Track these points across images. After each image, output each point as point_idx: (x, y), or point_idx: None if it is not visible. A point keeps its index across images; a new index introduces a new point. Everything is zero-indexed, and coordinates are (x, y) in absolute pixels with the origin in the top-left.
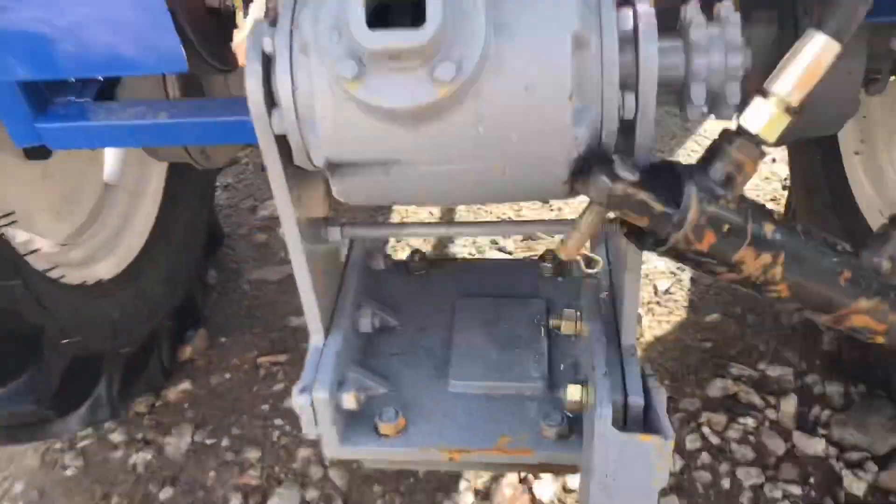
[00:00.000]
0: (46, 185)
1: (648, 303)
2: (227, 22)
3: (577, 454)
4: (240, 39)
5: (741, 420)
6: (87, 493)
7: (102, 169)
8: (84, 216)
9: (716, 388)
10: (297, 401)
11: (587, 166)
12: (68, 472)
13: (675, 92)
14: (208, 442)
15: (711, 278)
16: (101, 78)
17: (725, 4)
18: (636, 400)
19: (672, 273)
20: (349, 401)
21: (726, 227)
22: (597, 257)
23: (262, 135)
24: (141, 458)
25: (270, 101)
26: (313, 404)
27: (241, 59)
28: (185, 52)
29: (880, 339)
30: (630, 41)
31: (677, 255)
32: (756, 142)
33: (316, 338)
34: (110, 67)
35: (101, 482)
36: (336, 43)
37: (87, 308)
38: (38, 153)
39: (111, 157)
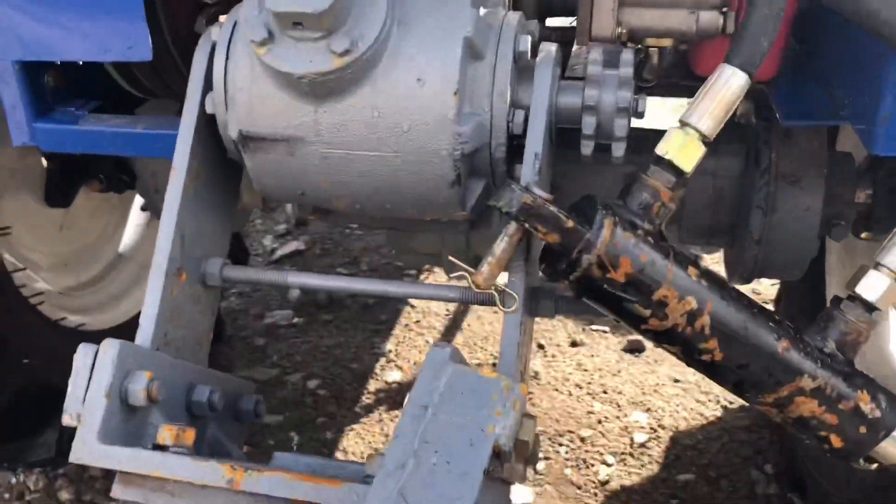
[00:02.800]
0: (62, 236)
1: (622, 453)
2: None
3: None
4: None
5: None
6: None
7: (119, 240)
8: (90, 276)
9: None
10: (80, 351)
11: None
12: None
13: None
14: None
15: (638, 332)
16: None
17: (626, 49)
18: None
19: (652, 429)
20: (140, 380)
21: (644, 257)
22: (513, 293)
23: (189, 113)
24: None
25: (208, 86)
26: (96, 355)
27: None
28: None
29: (836, 441)
30: (531, 69)
31: (593, 288)
32: (671, 168)
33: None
34: (85, 53)
35: None
36: (255, 15)
37: (58, 342)
38: (57, 199)
39: (130, 230)
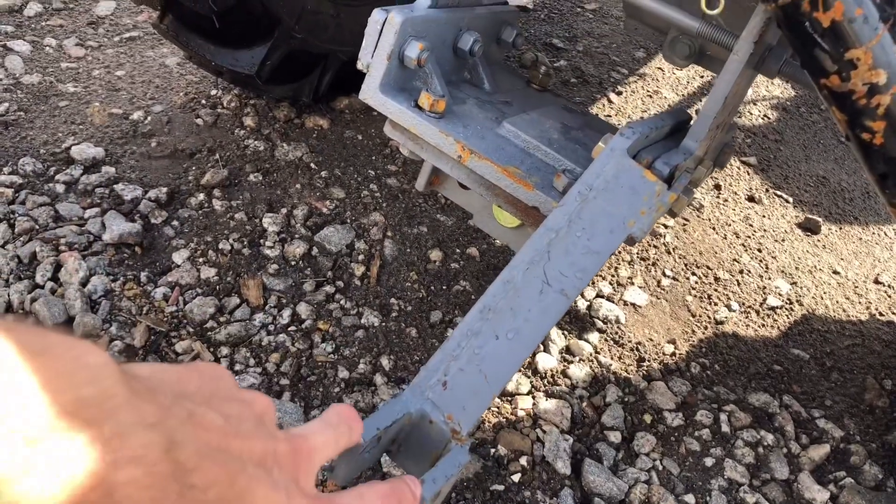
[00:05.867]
0: None
1: (749, 307)
2: None
3: None
4: None
5: (763, 433)
6: (196, 141)
7: None
8: None
9: (759, 399)
10: (374, 16)
11: None
12: (197, 120)
13: None
14: (312, 165)
15: (814, 82)
16: None
17: None
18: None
19: (789, 300)
20: (413, 49)
21: (859, 10)
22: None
23: None
24: (254, 144)
25: None
26: (384, 23)
27: None
28: None
29: None
30: None
31: (794, 21)
32: None
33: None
34: None
35: (213, 140)
36: None
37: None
38: None
39: None
